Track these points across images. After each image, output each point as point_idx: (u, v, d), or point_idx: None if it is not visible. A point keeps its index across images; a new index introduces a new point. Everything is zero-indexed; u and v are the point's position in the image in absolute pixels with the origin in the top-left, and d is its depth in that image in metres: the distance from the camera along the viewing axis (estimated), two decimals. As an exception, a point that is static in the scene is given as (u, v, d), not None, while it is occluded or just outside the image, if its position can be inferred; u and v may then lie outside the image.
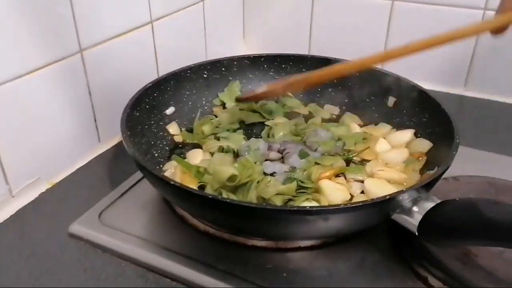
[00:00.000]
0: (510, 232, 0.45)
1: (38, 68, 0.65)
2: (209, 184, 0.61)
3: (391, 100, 0.78)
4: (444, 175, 0.56)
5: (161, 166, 0.69)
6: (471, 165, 0.70)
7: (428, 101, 0.70)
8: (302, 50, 1.08)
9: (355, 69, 0.68)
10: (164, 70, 0.79)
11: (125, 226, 0.60)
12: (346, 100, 0.83)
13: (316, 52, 1.06)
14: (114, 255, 0.57)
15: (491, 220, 0.46)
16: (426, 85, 0.75)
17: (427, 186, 0.53)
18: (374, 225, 0.57)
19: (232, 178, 0.60)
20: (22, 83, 0.63)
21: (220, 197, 0.49)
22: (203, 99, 0.83)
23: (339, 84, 0.83)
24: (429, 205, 0.51)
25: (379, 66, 0.73)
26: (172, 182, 0.52)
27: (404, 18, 0.97)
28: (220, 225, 0.58)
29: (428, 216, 0.50)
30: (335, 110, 0.83)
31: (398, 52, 0.57)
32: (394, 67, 0.77)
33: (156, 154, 0.71)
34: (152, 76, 0.78)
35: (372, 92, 0.80)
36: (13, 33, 0.60)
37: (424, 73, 0.92)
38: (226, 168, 0.60)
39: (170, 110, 0.77)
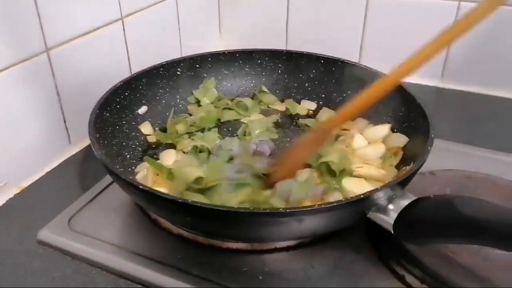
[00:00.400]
0: (485, 230, 0.44)
1: (1, 70, 0.62)
2: (174, 187, 0.59)
3: (367, 94, 0.76)
4: (421, 170, 0.55)
5: (133, 168, 0.67)
6: (448, 158, 0.69)
7: (404, 94, 0.69)
8: (280, 45, 1.07)
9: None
10: (138, 68, 0.77)
11: (96, 231, 0.59)
12: (323, 95, 0.82)
13: (294, 46, 1.04)
14: (84, 262, 0.55)
15: (467, 217, 0.45)
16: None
17: (402, 184, 0.52)
18: (350, 225, 0.56)
19: (198, 180, 0.58)
20: (-15, 85, 0.61)
21: (190, 200, 0.47)
22: (177, 97, 0.80)
23: (315, 79, 0.82)
24: (405, 202, 0.50)
25: (355, 60, 0.72)
26: (141, 186, 0.50)
27: (380, 11, 0.96)
28: (193, 229, 0.56)
29: (403, 214, 0.49)
30: (312, 106, 0.82)
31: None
32: (370, 61, 0.76)
33: (128, 156, 0.69)
34: (125, 75, 0.75)
35: (349, 86, 0.79)
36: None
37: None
38: (192, 170, 0.58)
39: (142, 110, 0.75)
